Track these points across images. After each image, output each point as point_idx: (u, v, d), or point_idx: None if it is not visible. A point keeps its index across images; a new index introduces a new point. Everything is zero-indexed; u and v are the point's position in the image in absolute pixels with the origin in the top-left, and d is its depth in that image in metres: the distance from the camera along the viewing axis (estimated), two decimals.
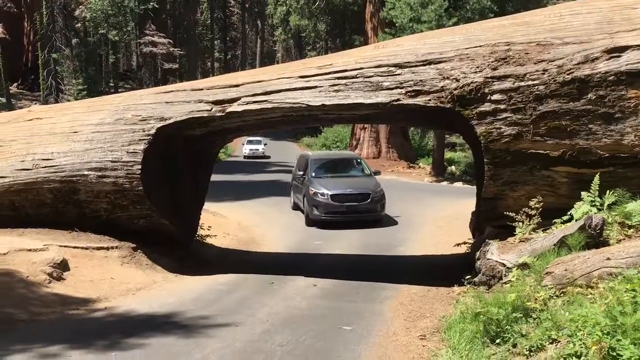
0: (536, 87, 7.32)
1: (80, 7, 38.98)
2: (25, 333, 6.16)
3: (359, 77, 8.25)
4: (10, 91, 39.02)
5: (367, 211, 14.45)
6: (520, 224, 7.42)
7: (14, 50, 40.20)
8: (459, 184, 26.58)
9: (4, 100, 35.60)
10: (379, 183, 15.24)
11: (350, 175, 16.05)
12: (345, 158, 17.87)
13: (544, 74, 7.31)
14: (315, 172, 15.61)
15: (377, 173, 16.52)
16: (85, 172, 9.37)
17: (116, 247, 9.33)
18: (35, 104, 30.21)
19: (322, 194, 14.38)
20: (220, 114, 8.94)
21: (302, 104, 8.46)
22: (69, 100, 27.30)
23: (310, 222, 14.66)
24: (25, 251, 8.21)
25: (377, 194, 14.67)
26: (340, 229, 14.07)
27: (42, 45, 35.86)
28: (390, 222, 15.15)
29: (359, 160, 17.21)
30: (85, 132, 9.64)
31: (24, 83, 43.01)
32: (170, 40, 43.91)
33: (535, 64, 7.41)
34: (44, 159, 9.65)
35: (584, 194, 7.01)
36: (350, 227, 14.01)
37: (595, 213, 6.45)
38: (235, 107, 8.84)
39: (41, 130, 10.13)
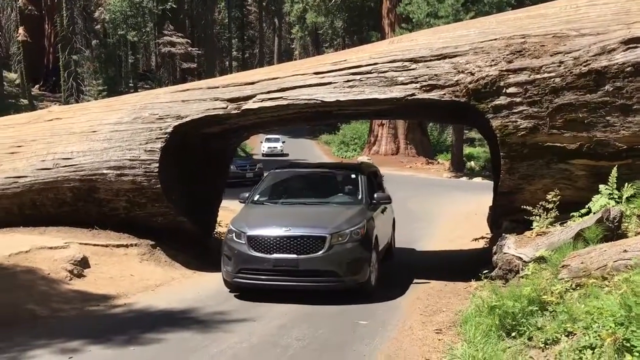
0: (552, 79, 7.26)
1: (100, 8, 39.46)
2: (47, 329, 6.28)
3: (373, 72, 8.25)
4: (32, 93, 39.68)
5: (314, 274, 7.36)
6: (538, 217, 7.37)
7: (35, 52, 40.80)
8: (478, 180, 26.45)
9: (26, 101, 36.20)
10: (364, 219, 7.83)
11: (320, 203, 8.60)
12: (331, 171, 9.86)
13: (560, 66, 7.25)
14: (261, 194, 8.99)
15: (385, 200, 8.85)
16: (104, 171, 9.50)
17: (135, 245, 9.45)
18: (56, 105, 30.64)
19: (239, 235, 7.70)
20: (236, 111, 9.01)
21: (317, 100, 8.49)
22: (89, 101, 27.67)
23: (225, 282, 8.00)
24: (47, 249, 8.35)
25: (342, 238, 7.42)
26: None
27: (62, 47, 36.39)
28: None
29: (353, 176, 9.00)
30: (104, 131, 9.77)
31: (46, 84, 43.62)
32: (189, 40, 44.30)
33: (551, 56, 7.35)
34: (64, 158, 9.80)
35: (602, 186, 6.95)
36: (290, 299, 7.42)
37: (613, 206, 6.38)
38: (250, 105, 8.90)
39: (61, 130, 10.30)
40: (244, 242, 7.62)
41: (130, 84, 43.84)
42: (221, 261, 7.96)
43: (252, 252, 7.52)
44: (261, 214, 8.39)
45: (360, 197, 8.57)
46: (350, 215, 7.90)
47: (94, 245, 9.03)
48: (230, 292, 7.90)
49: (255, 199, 8.86)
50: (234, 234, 7.80)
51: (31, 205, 10.18)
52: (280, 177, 9.61)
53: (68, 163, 9.75)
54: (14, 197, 10.11)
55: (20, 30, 38.10)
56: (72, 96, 35.70)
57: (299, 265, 7.35)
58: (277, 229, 7.58)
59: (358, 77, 8.31)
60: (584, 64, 7.14)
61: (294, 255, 7.35)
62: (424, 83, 7.92)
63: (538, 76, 7.32)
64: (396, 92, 8.05)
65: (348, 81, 8.35)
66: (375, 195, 8.63)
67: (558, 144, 7.38)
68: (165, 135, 9.26)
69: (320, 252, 7.33)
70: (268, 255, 7.45)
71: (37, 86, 43.01)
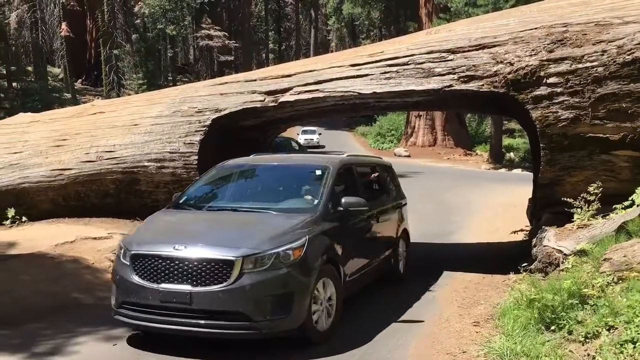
0: (595, 69, 7.10)
1: (139, 3, 40.13)
2: (92, 316, 6.46)
3: (410, 63, 8.21)
4: (75, 87, 40.68)
5: (212, 315, 5.00)
6: (579, 210, 7.23)
7: (78, 47, 41.80)
8: (517, 171, 26.04)
9: (69, 95, 37.13)
10: (307, 235, 5.39)
11: (258, 209, 6.12)
12: (293, 166, 7.29)
13: (602, 55, 7.08)
14: (191, 195, 6.73)
15: (357, 207, 6.34)
16: (145, 163, 9.71)
17: None
18: (99, 98, 31.36)
19: (124, 254, 5.54)
20: (273, 104, 9.08)
21: (354, 92, 8.49)
22: (130, 94, 28.23)
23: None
24: (91, 239, 8.60)
25: (261, 263, 5.08)
26: None
27: (104, 42, 37.24)
28: None
29: (318, 173, 6.50)
30: (145, 124, 9.98)
31: (88, 79, 44.71)
32: (226, 33, 44.76)
33: (593, 45, 7.19)
34: (106, 151, 10.05)
35: None
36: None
37: None
38: (287, 97, 8.96)
39: (104, 124, 10.56)
40: (127, 263, 5.40)
41: (169, 78, 44.51)
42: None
43: (135, 278, 5.28)
44: (164, 224, 6.16)
45: (316, 202, 6.06)
46: (286, 228, 5.47)
47: None
48: None
49: (181, 201, 6.55)
50: (121, 252, 5.59)
51: (76, 197, 10.48)
52: (226, 172, 7.18)
53: (111, 156, 10.00)
54: (59, 188, 10.42)
55: (63, 26, 39.09)
56: (114, 90, 36.52)
57: (193, 302, 5.02)
58: (168, 246, 5.25)
59: (395, 68, 8.28)
60: (628, 52, 6.96)
61: (188, 287, 5.04)
62: (462, 74, 7.84)
63: (580, 65, 7.17)
64: (433, 84, 7.99)
65: (385, 73, 8.32)
66: (342, 201, 6.13)
67: (600, 135, 7.22)
68: (204, 128, 9.41)
69: (224, 283, 4.99)
70: (155, 285, 5.16)
71: (79, 80, 44.10)
